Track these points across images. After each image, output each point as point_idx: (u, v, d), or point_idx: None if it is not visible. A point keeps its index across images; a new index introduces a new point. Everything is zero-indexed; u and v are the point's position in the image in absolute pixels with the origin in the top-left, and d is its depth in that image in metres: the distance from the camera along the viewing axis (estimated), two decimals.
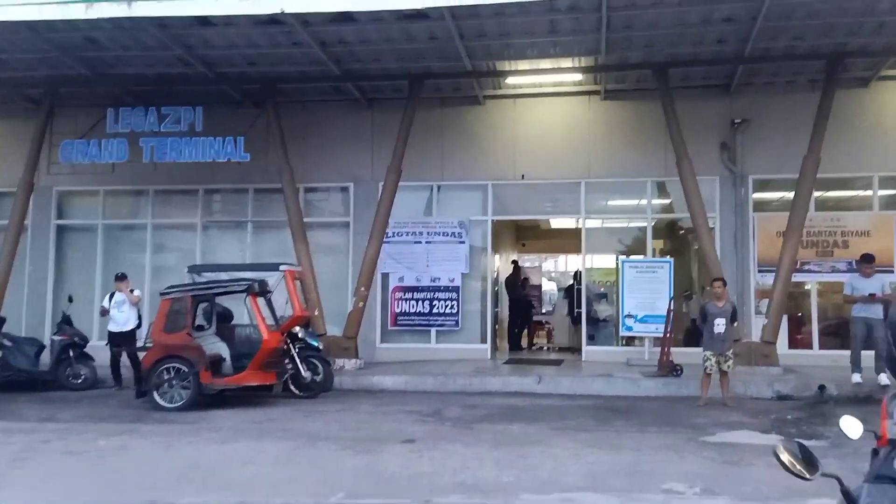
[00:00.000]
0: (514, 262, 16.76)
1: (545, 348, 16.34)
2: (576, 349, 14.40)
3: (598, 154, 13.14)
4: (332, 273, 13.50)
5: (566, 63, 12.06)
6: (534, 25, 10.60)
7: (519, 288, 16.10)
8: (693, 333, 12.80)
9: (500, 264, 16.19)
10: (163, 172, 13.20)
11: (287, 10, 9.78)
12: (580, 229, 13.60)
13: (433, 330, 13.40)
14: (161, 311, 9.67)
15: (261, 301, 9.64)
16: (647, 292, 12.20)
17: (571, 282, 15.78)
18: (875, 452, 2.72)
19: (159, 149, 12.42)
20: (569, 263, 27.00)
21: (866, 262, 10.09)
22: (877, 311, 9.86)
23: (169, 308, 9.60)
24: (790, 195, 11.89)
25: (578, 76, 12.67)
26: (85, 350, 11.36)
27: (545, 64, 12.11)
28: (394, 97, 13.08)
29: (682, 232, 13.99)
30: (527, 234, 19.33)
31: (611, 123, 13.22)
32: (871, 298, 9.80)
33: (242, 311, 10.23)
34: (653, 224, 13.30)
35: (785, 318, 11.89)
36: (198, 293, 9.75)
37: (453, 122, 13.54)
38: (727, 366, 9.51)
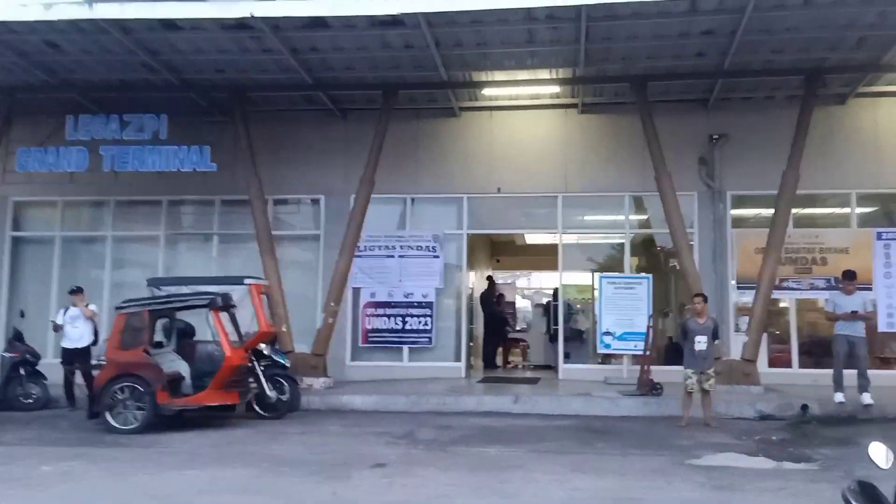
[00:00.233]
0: (490, 277, 16.44)
1: (520, 366, 16.01)
2: (552, 367, 14.10)
3: (575, 168, 12.91)
4: (302, 288, 13.08)
5: (544, 74, 11.82)
6: (511, 35, 10.36)
7: (494, 304, 15.75)
8: (671, 351, 12.58)
9: (474, 280, 15.84)
10: (124, 182, 12.68)
11: (257, 14, 9.45)
12: (556, 245, 13.33)
13: (406, 347, 13.00)
14: (116, 327, 9.14)
15: (224, 316, 9.15)
16: (625, 309, 11.92)
17: (549, 299, 15.48)
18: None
19: (120, 157, 11.93)
20: (543, 280, 26.83)
21: (848, 280, 9.91)
22: (859, 329, 9.68)
23: (124, 323, 9.06)
24: (768, 211, 11.78)
25: (556, 88, 12.45)
26: (37, 368, 10.79)
27: (522, 75, 11.87)
28: (367, 108, 12.76)
29: (658, 249, 13.78)
30: (501, 250, 19.04)
31: (588, 137, 13.01)
32: (854, 316, 9.60)
33: (206, 326, 9.72)
34: (630, 240, 13.05)
35: (764, 336, 11.67)
36: (156, 308, 9.24)
37: (428, 133, 13.24)
38: (708, 385, 9.24)
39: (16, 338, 10.96)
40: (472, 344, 14.39)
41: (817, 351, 11.89)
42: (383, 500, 5.66)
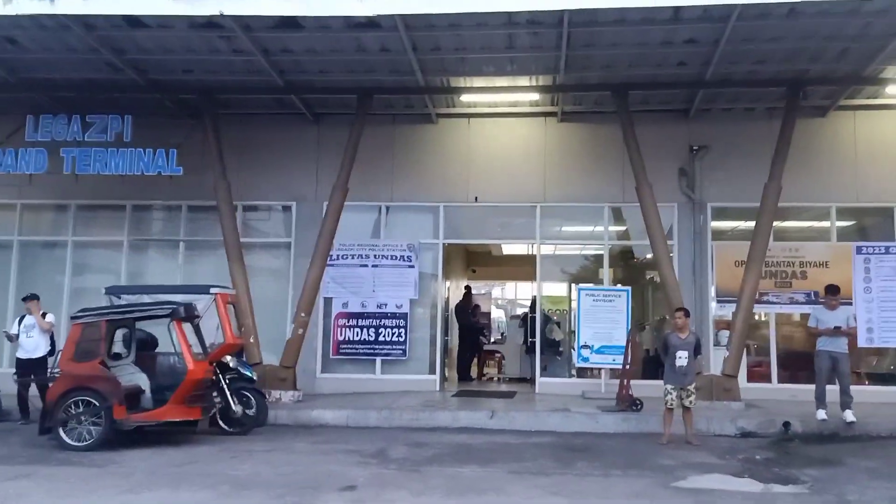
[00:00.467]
0: (467, 287, 16.11)
1: (496, 379, 15.69)
2: (528, 380, 13.81)
3: (554, 177, 12.68)
4: (271, 297, 12.68)
5: (523, 81, 11.56)
6: (491, 39, 10.09)
7: (469, 315, 15.43)
8: (649, 365, 12.36)
9: (450, 290, 15.51)
10: (87, 186, 12.20)
11: (226, 13, 9.05)
12: (532, 256, 13.08)
13: (378, 359, 12.61)
14: (71, 338, 8.64)
15: (187, 327, 8.68)
16: (604, 322, 11.63)
17: (526, 310, 15.19)
18: None
19: (82, 160, 11.40)
20: (518, 291, 26.63)
21: (832, 294, 9.74)
22: (842, 345, 9.52)
23: (80, 334, 8.57)
24: (747, 224, 11.64)
25: (535, 96, 12.20)
26: None
27: (502, 81, 11.60)
28: (341, 112, 12.46)
29: (634, 260, 13.58)
30: (477, 260, 18.77)
31: (567, 146, 12.78)
32: (837, 332, 9.42)
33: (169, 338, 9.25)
34: (609, 251, 12.82)
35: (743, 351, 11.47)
36: (114, 317, 8.75)
37: (404, 140, 12.93)
38: (689, 401, 8.99)
39: None
40: (446, 356, 14.05)
41: (799, 366, 11.72)
42: None
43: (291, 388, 11.24)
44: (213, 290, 9.40)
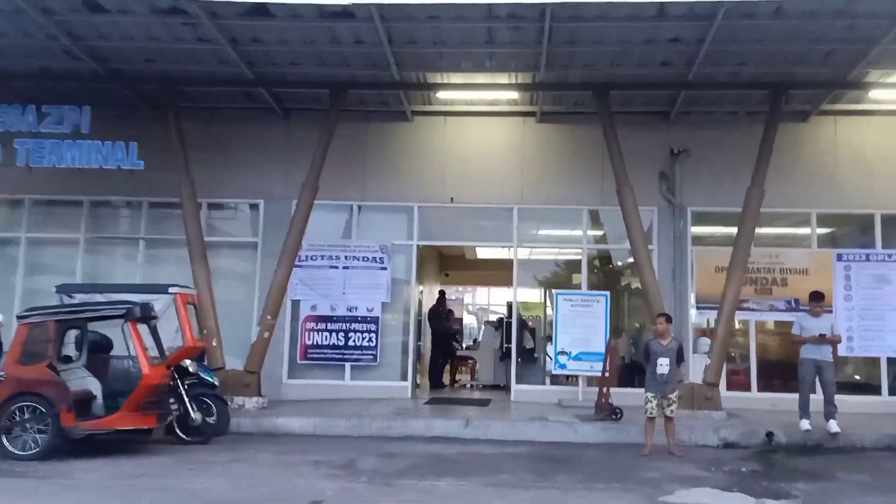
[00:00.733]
0: (441, 291, 15.69)
1: (469, 385, 15.28)
2: (502, 387, 13.42)
3: (532, 179, 12.34)
4: (237, 299, 12.19)
5: (502, 78, 11.22)
6: (470, 33, 9.73)
7: (443, 320, 15.00)
8: (626, 373, 12.05)
9: (424, 294, 15.07)
10: (41, 179, 11.60)
11: None
12: (508, 260, 12.72)
13: (348, 365, 12.12)
14: (17, 339, 8.04)
15: (143, 329, 8.12)
16: (581, 328, 11.31)
17: (501, 315, 14.82)
18: None
19: (36, 152, 10.76)
20: (491, 296, 26.28)
21: (816, 301, 9.48)
22: (826, 353, 9.27)
23: (27, 335, 7.97)
24: (728, 229, 11.41)
25: (514, 94, 11.86)
26: None
27: (480, 78, 11.25)
28: (313, 107, 12.03)
29: (610, 266, 13.29)
30: (450, 264, 18.36)
31: (546, 147, 12.45)
32: (821, 339, 9.17)
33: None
34: (587, 255, 12.50)
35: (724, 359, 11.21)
36: (64, 318, 8.16)
37: (378, 137, 12.49)
38: (670, 411, 8.68)
39: None
40: (418, 362, 13.61)
41: (779, 374, 11.50)
42: None
43: (256, 394, 10.71)
44: (172, 290, 8.84)
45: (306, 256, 12.02)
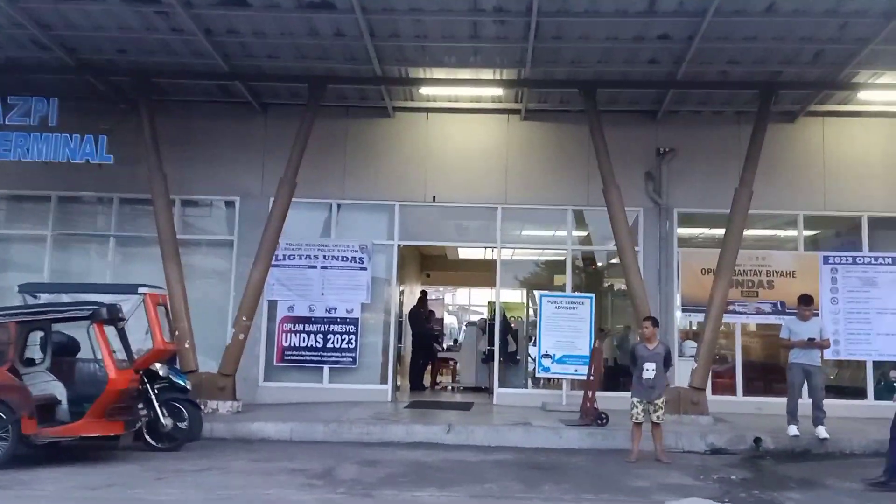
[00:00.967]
0: (423, 292, 15.39)
1: (450, 388, 15.01)
2: (484, 389, 13.15)
3: (516, 178, 12.09)
4: (211, 299, 11.81)
5: (487, 74, 10.95)
6: (454, 27, 9.48)
7: (424, 322, 14.72)
8: (610, 375, 11.84)
9: (404, 294, 14.76)
10: (7, 174, 11.28)
11: None
12: (490, 260, 12.44)
13: (326, 367, 11.79)
14: None
15: (110, 330, 7.73)
16: (566, 330, 11.07)
17: (483, 317, 14.56)
18: None
19: (2, 145, 10.43)
20: (472, 297, 26.04)
21: (805, 304, 9.31)
22: (815, 358, 9.10)
23: None
24: (715, 230, 11.24)
25: (499, 91, 11.58)
26: None
27: (464, 74, 10.96)
28: (291, 102, 11.74)
29: (592, 267, 13.08)
30: (432, 264, 18.07)
31: (531, 146, 12.19)
32: (810, 343, 9.00)
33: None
34: (571, 256, 12.26)
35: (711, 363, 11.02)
36: (25, 318, 7.76)
37: (358, 134, 12.16)
38: (657, 416, 8.45)
39: None
40: (398, 364, 13.31)
41: (765, 378, 11.35)
42: None
43: (230, 397, 10.34)
44: (141, 290, 8.45)
45: (284, 255, 11.68)
